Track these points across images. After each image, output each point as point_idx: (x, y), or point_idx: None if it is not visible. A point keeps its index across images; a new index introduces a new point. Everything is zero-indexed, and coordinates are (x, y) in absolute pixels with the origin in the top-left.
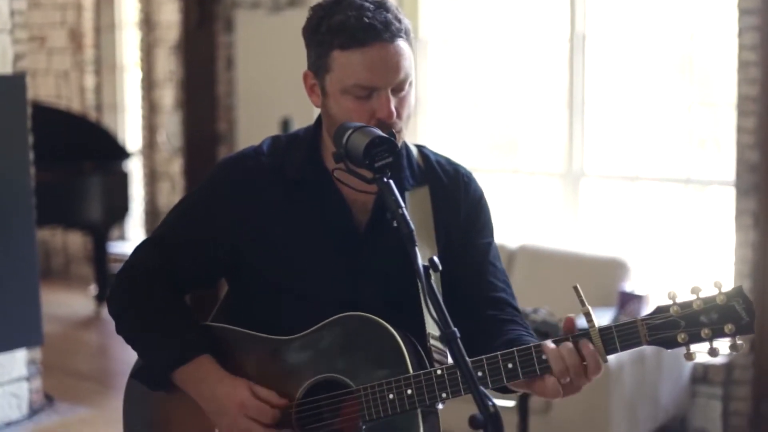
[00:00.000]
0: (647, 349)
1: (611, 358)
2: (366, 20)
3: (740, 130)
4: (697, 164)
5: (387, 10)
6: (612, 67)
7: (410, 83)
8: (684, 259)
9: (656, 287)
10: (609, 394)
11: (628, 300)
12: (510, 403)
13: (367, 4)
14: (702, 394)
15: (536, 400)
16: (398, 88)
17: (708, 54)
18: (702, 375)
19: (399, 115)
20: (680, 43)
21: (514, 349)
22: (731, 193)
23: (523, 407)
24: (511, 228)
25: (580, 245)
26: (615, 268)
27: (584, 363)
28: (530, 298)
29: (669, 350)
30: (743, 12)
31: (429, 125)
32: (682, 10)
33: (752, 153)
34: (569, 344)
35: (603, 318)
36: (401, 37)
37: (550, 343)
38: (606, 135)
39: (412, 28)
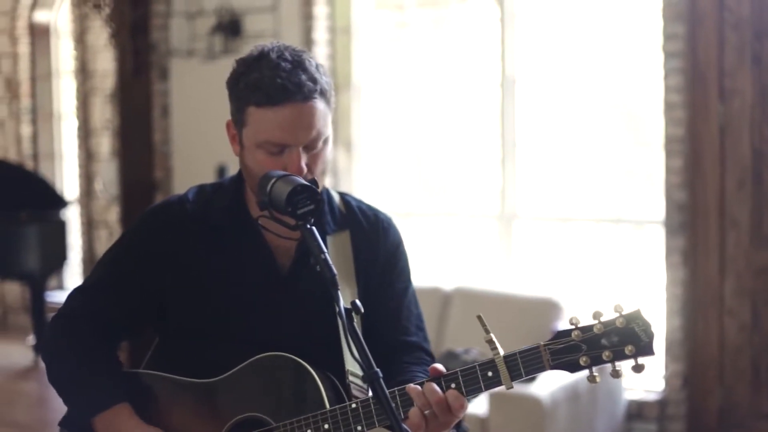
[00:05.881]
0: (582, 385)
1: (546, 394)
2: (279, 81)
3: (668, 170)
4: (628, 204)
5: (304, 70)
6: (543, 110)
7: (324, 140)
8: (616, 298)
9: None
10: (544, 431)
11: None
12: None
13: (283, 64)
14: (637, 430)
15: None
16: (310, 146)
17: (636, 95)
18: (637, 411)
19: (311, 171)
20: (609, 84)
21: (395, 389)
22: (661, 232)
23: None
24: (446, 270)
25: (513, 286)
26: (548, 308)
27: (448, 402)
28: (465, 338)
29: (573, 374)
30: (668, 55)
31: (364, 170)
32: (611, 52)
33: (680, 192)
34: (432, 384)
35: None
36: (315, 97)
37: (413, 384)
38: (538, 177)
39: (331, 86)
